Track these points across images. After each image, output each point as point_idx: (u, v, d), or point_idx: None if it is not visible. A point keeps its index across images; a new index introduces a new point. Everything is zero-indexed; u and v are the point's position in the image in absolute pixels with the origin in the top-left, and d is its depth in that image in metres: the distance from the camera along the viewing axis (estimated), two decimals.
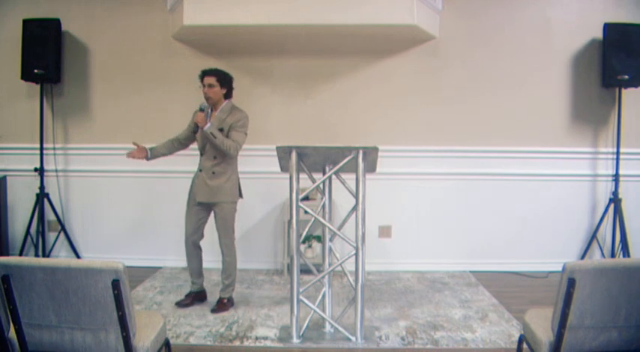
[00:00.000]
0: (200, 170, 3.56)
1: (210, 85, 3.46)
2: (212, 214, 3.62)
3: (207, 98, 3.48)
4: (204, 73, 3.51)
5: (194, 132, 3.51)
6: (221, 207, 3.53)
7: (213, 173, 3.50)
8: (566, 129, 4.69)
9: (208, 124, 3.39)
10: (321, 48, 4.63)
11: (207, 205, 3.56)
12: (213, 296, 3.72)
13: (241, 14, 4.12)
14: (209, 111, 3.50)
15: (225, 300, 3.61)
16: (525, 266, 4.68)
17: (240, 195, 3.67)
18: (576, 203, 4.71)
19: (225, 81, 3.52)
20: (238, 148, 3.48)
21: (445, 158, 4.66)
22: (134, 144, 3.59)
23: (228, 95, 3.57)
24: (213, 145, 3.44)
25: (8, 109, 4.68)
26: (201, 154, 3.58)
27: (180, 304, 3.65)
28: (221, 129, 3.45)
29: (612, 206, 4.53)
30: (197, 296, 3.72)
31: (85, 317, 1.98)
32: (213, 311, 3.53)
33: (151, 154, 3.60)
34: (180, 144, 3.70)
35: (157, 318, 2.33)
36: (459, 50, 4.64)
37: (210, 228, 3.65)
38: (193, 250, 3.64)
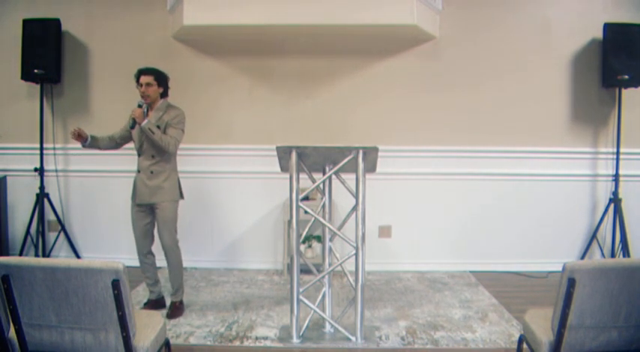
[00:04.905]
0: (139, 171, 3.50)
1: (149, 84, 3.41)
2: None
3: (145, 97, 3.43)
4: (141, 72, 3.45)
5: (131, 128, 3.41)
6: (162, 207, 3.44)
7: (152, 172, 3.44)
8: (566, 129, 4.69)
9: (146, 120, 3.33)
10: (322, 48, 4.63)
11: (149, 207, 3.47)
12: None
13: (241, 14, 4.12)
14: (146, 109, 3.45)
15: (178, 303, 3.54)
16: (525, 266, 4.68)
17: (181, 196, 3.59)
18: (576, 203, 4.71)
19: (162, 80, 3.49)
20: (177, 144, 3.44)
21: (445, 158, 4.66)
22: (79, 129, 3.44)
23: (164, 94, 3.53)
24: (152, 143, 3.39)
25: (8, 109, 4.68)
26: (139, 154, 3.51)
27: None
28: (158, 127, 3.39)
29: (612, 206, 4.53)
30: (155, 305, 3.60)
31: (85, 317, 1.98)
32: (168, 316, 3.45)
33: (90, 140, 3.47)
34: (115, 142, 3.58)
35: (157, 318, 2.33)
36: (459, 50, 4.64)
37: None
38: (145, 258, 3.57)
